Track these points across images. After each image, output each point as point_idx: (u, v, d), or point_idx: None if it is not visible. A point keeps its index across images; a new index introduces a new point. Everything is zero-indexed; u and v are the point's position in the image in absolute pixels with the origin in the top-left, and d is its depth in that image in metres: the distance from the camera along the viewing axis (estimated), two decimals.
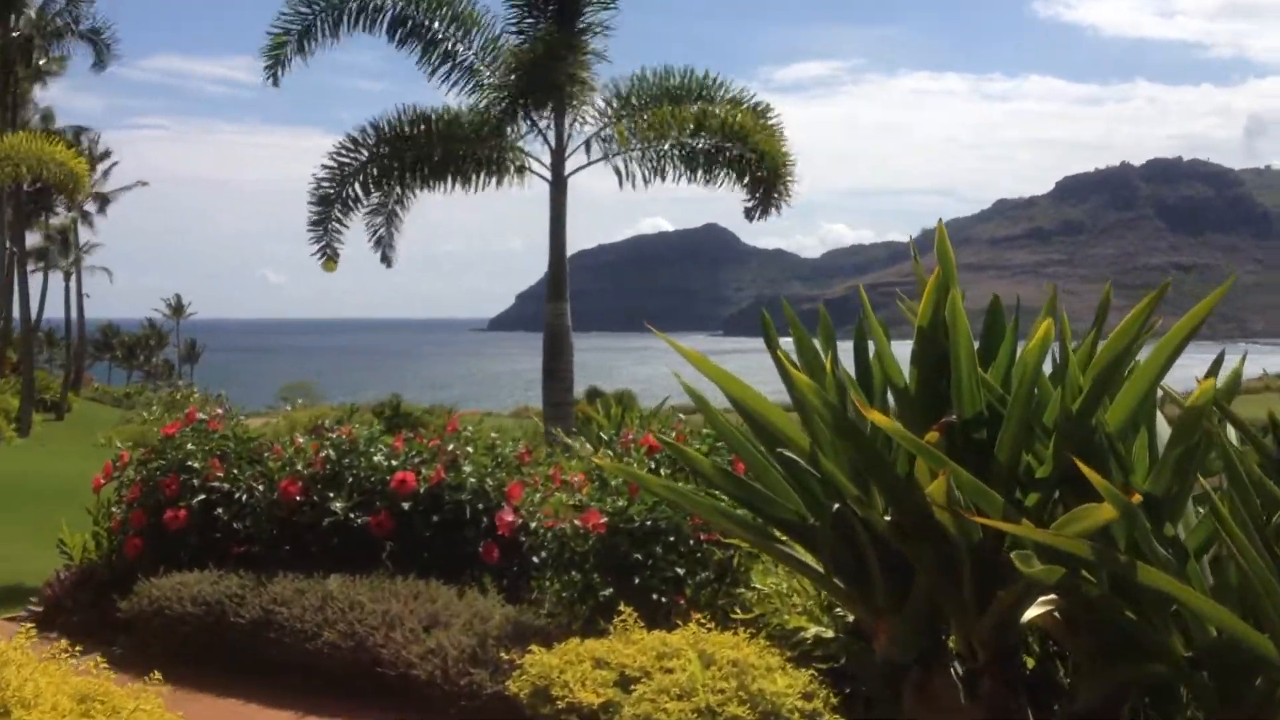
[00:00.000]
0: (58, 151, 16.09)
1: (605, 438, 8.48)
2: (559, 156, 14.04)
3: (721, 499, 5.12)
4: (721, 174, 13.81)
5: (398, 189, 13.59)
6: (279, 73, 12.58)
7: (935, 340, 4.50)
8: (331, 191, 13.51)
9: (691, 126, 13.39)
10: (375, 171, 13.37)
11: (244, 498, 7.92)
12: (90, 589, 8.06)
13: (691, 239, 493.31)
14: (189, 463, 8.12)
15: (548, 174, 14.01)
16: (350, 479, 7.67)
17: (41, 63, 42.84)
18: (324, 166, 13.47)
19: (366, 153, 13.44)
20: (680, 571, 6.50)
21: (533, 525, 6.86)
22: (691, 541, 6.57)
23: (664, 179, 13.89)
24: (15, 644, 4.05)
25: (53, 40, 41.52)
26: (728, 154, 13.51)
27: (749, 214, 14.15)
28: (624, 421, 13.58)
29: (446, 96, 14.02)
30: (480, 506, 7.45)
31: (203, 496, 7.97)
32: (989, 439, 4.35)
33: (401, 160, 13.32)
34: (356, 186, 13.52)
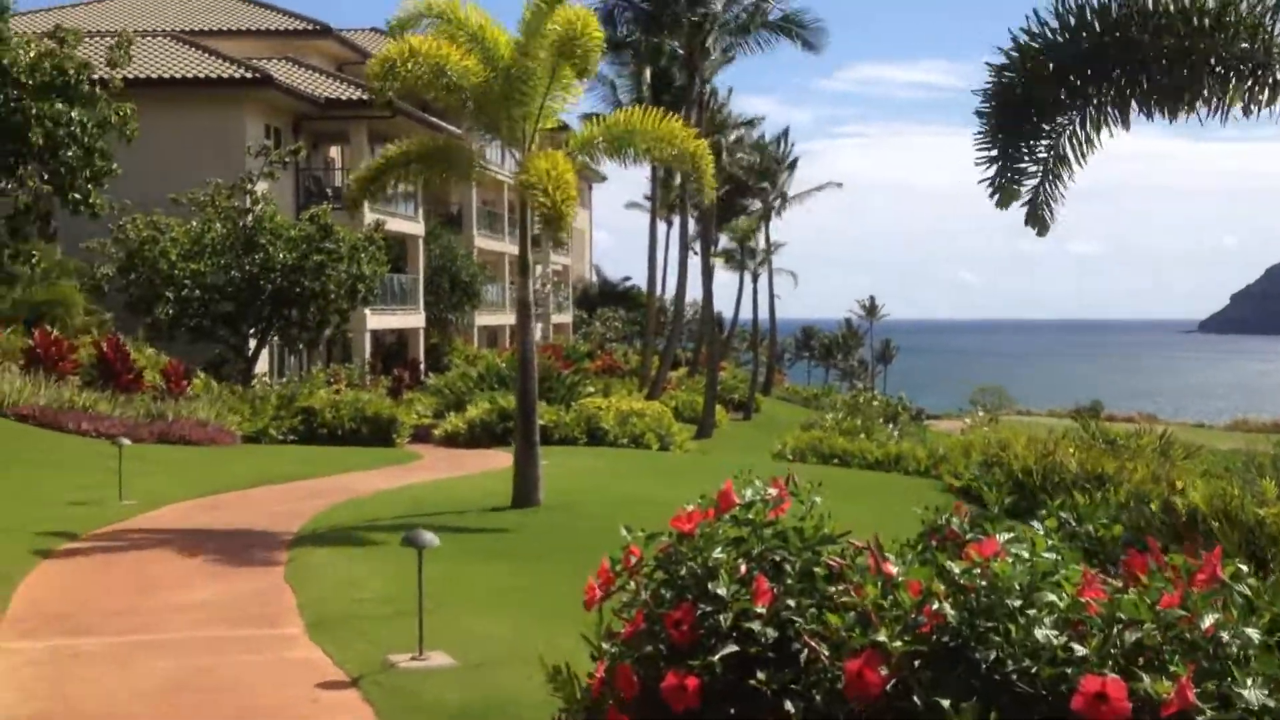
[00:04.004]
0: (674, 130, 13.78)
1: None
2: None
3: None
4: None
5: (1088, 112, 8.90)
6: None
7: None
8: (1004, 106, 9.06)
9: None
10: (1060, 87, 8.81)
11: (804, 656, 4.33)
12: None
13: None
14: (713, 585, 4.67)
15: None
16: (988, 661, 3.75)
17: (713, 57, 43.22)
18: (1001, 71, 9.00)
19: (1055, 54, 8.80)
20: None
21: None
22: None
23: None
24: None
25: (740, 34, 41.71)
26: None
27: None
28: None
29: None
30: None
31: (734, 648, 4.48)
32: None
33: (1102, 67, 8.66)
34: (1033, 108, 9.04)
